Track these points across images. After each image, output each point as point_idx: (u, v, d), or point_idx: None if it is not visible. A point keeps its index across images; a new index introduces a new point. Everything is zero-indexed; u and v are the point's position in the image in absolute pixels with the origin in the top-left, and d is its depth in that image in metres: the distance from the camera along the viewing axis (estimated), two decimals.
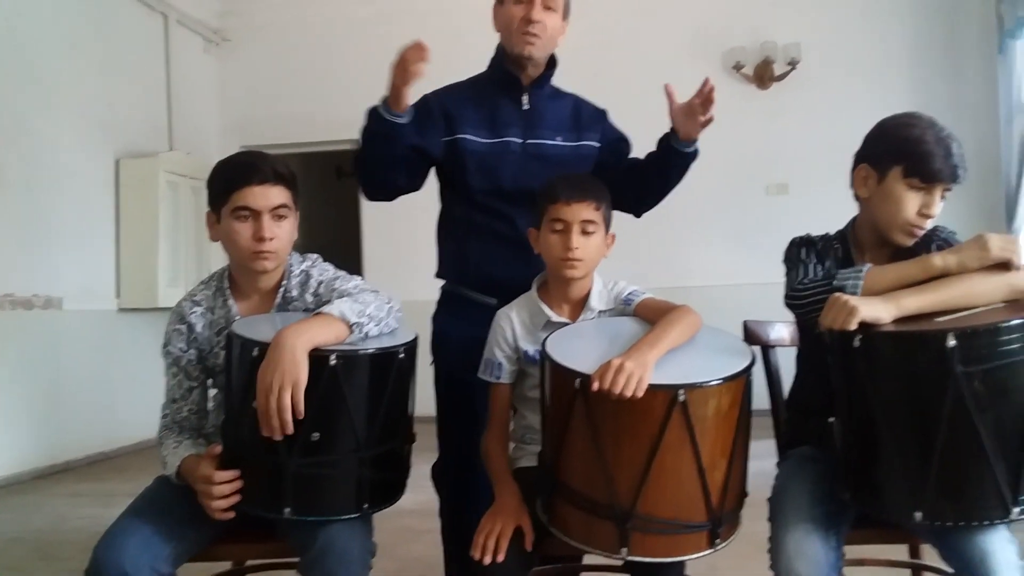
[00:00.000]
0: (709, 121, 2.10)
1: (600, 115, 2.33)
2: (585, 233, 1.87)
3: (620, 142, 2.33)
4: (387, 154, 2.10)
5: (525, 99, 2.20)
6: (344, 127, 6.51)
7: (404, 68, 1.92)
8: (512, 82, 2.19)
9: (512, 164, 2.16)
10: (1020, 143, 5.22)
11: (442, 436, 2.24)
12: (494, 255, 2.16)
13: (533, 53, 2.14)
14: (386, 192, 2.24)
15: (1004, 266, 1.62)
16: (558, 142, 2.20)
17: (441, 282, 2.30)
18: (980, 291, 1.61)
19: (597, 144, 2.26)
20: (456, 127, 2.17)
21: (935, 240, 1.81)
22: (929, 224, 1.78)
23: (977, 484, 1.48)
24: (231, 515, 1.69)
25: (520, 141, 2.18)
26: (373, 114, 2.05)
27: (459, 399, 2.15)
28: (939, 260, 1.64)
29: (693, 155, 2.18)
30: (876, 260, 1.78)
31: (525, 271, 2.04)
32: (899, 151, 1.77)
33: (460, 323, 2.16)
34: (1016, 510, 1.47)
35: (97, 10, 5.72)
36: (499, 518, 1.74)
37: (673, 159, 2.15)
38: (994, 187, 5.70)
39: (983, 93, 5.86)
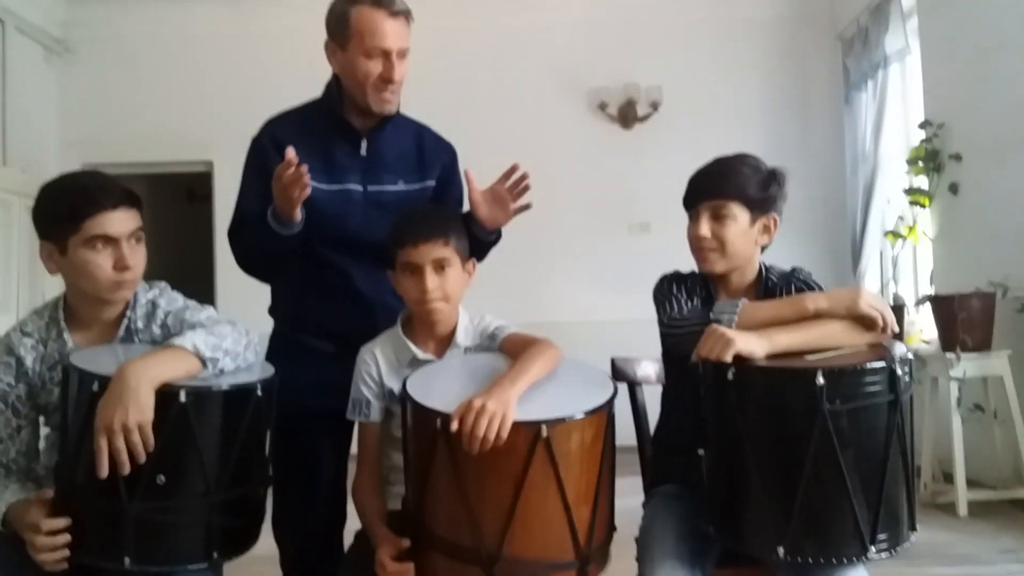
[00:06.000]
0: (523, 208, 2.03)
1: (444, 149, 2.19)
2: (440, 270, 1.84)
3: (450, 188, 2.17)
4: (277, 252, 2.00)
5: (364, 145, 2.06)
6: (195, 147, 6.39)
7: (288, 196, 1.82)
8: (350, 129, 2.05)
9: (354, 212, 2.03)
10: (864, 190, 5.56)
11: (278, 483, 2.03)
12: (331, 309, 2.05)
13: (391, 110, 2.04)
14: (273, 278, 2.15)
15: (869, 324, 1.70)
16: (400, 187, 2.08)
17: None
18: (845, 337, 1.69)
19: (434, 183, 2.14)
20: None
21: (794, 281, 1.89)
22: (705, 244, 1.86)
23: (838, 521, 1.53)
24: (63, 566, 1.55)
25: (360, 189, 2.05)
26: (262, 228, 1.92)
27: (294, 446, 2.02)
28: (811, 303, 1.71)
29: (495, 241, 2.10)
30: (733, 299, 1.83)
31: (365, 325, 1.98)
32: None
33: (294, 367, 1.95)
34: (873, 548, 1.52)
35: None
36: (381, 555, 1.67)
37: (474, 245, 1.99)
38: (841, 230, 6.04)
39: (831, 142, 6.22)
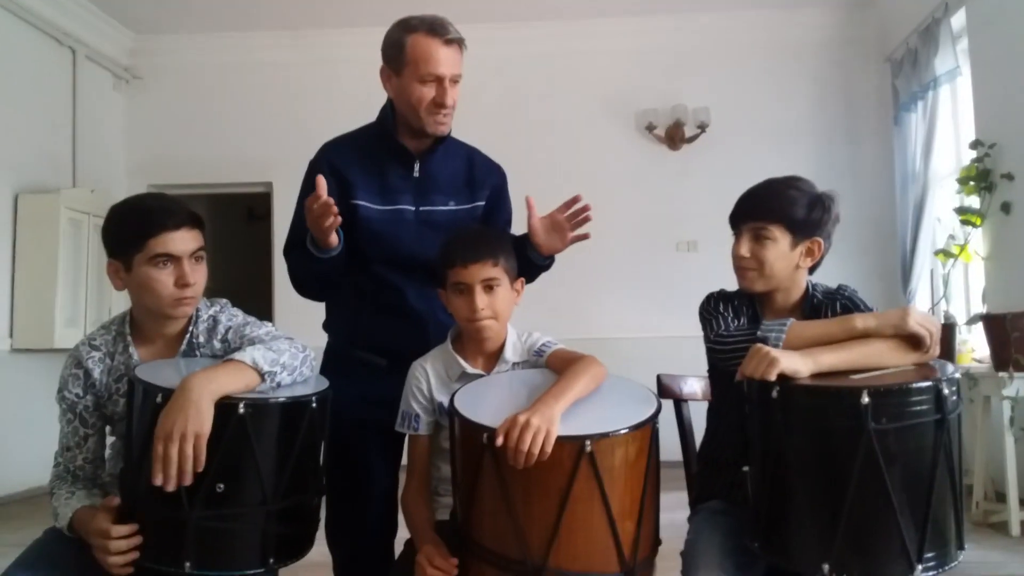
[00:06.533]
0: (580, 238, 2.07)
1: (493, 171, 2.23)
2: (489, 290, 1.87)
3: (500, 208, 2.22)
4: (325, 275, 2.07)
5: (416, 166, 2.11)
6: (255, 170, 6.56)
7: (319, 226, 1.89)
8: (403, 152, 2.11)
9: (406, 232, 2.08)
10: (914, 209, 5.50)
11: (332, 494, 2.12)
12: (385, 325, 2.10)
13: (445, 132, 2.09)
14: (324, 297, 2.22)
15: (916, 342, 1.69)
16: (451, 207, 2.12)
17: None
18: (891, 357, 1.68)
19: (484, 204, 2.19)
20: (350, 192, 2.07)
21: (839, 299, 1.89)
22: (744, 263, 1.87)
23: (884, 539, 1.51)
24: (129, 571, 1.61)
25: (413, 209, 2.10)
26: (304, 253, 2.00)
27: (348, 458, 2.09)
28: (860, 322, 1.70)
29: (548, 266, 2.15)
30: (779, 317, 1.84)
31: (417, 341, 2.03)
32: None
33: (348, 381, 2.02)
34: (920, 567, 1.51)
35: (1, 42, 5.54)
36: (422, 556, 1.70)
37: (526, 267, 2.04)
38: (891, 250, 5.97)
39: (880, 162, 6.17)
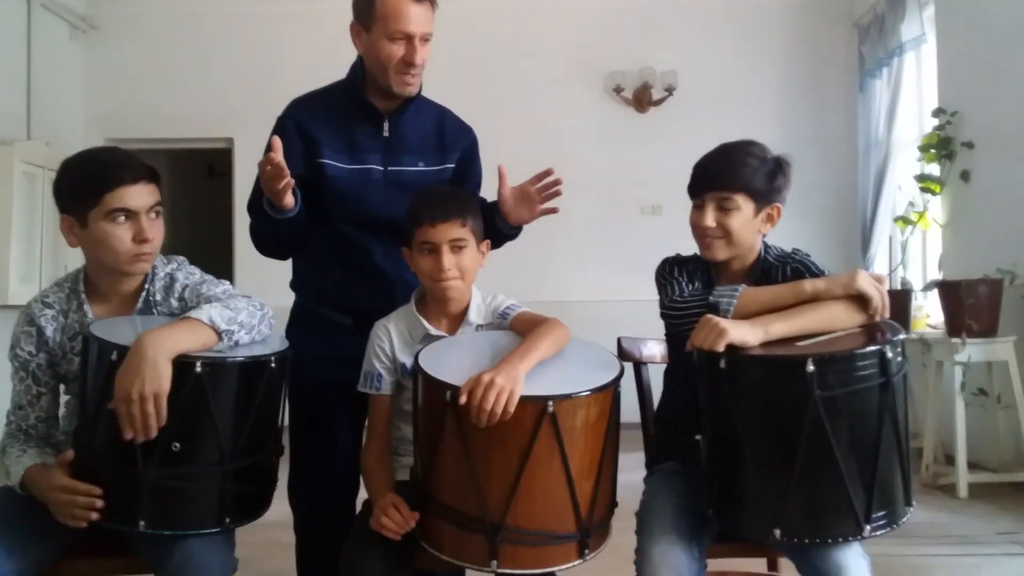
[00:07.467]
0: (549, 211, 2.07)
1: (465, 133, 2.21)
2: (456, 250, 1.87)
3: (470, 171, 2.21)
4: (284, 236, 2.06)
5: (386, 126, 2.09)
6: (217, 125, 6.44)
7: (272, 188, 1.86)
8: (372, 111, 2.09)
9: (374, 192, 2.07)
10: (875, 176, 5.56)
11: (295, 453, 2.15)
12: (351, 284, 2.10)
13: (413, 92, 2.07)
14: (286, 257, 2.21)
15: (865, 304, 1.71)
16: (420, 167, 2.11)
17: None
18: (840, 319, 1.70)
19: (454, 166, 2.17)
20: (316, 150, 2.05)
21: (791, 263, 1.90)
22: (709, 233, 1.87)
23: (833, 503, 1.55)
24: (83, 525, 1.60)
25: (381, 169, 2.09)
26: (261, 213, 1.97)
27: (312, 417, 2.10)
28: (809, 286, 1.73)
29: (514, 236, 2.15)
30: (733, 281, 1.86)
31: (383, 300, 2.03)
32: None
33: (314, 340, 2.07)
34: (868, 527, 1.55)
35: None
36: (379, 509, 1.71)
37: (493, 235, 2.06)
38: (852, 216, 6.04)
39: (844, 128, 6.20)
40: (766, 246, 1.94)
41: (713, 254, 1.89)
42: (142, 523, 1.58)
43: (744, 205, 1.85)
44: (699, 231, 1.89)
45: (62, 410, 1.87)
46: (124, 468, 1.57)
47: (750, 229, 1.87)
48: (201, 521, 1.63)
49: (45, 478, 1.64)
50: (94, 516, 1.58)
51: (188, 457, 1.60)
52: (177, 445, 1.58)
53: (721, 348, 1.60)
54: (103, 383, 1.58)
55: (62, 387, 1.86)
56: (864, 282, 1.71)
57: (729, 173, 1.86)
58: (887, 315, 1.73)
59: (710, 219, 1.86)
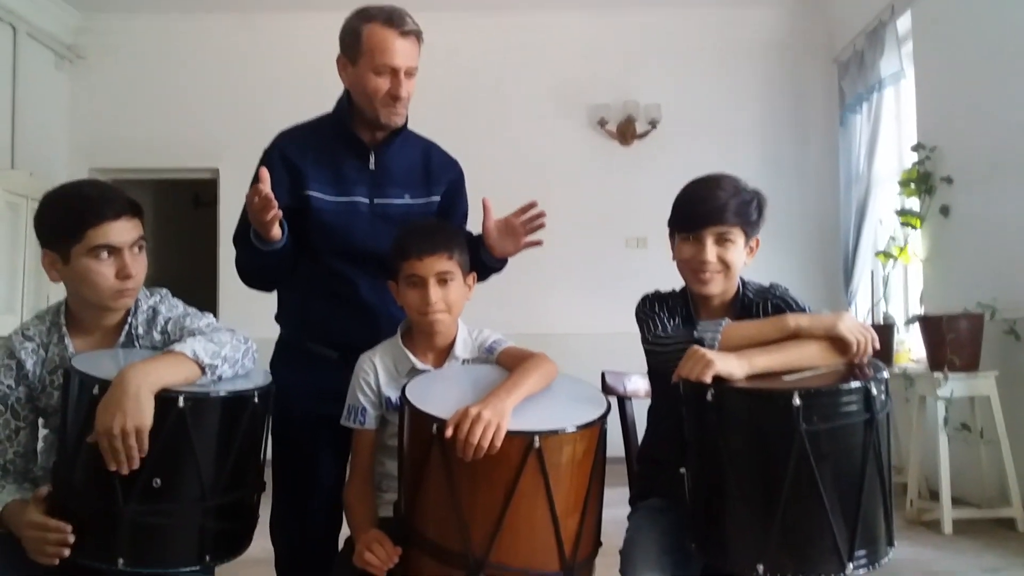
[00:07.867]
0: (533, 244, 2.08)
1: (451, 166, 2.22)
2: (443, 283, 1.87)
3: (456, 204, 2.21)
4: (270, 268, 2.06)
5: (372, 158, 2.10)
6: (202, 155, 6.44)
7: (259, 220, 1.87)
8: (359, 143, 2.09)
9: (360, 224, 2.07)
10: (857, 210, 5.60)
11: (277, 488, 2.12)
12: (337, 317, 2.09)
13: (399, 122, 2.09)
14: (271, 289, 2.21)
15: (844, 347, 1.71)
16: (406, 200, 2.11)
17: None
18: (821, 358, 1.71)
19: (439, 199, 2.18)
20: (303, 183, 2.05)
21: (770, 298, 1.92)
22: (710, 268, 1.86)
23: (817, 539, 1.55)
24: (55, 562, 1.57)
25: (367, 201, 2.09)
26: (247, 245, 1.98)
27: (296, 451, 2.09)
28: (792, 321, 1.74)
29: (499, 269, 2.16)
30: (713, 317, 1.87)
31: (369, 333, 2.02)
32: (672, 212, 1.93)
33: (299, 373, 2.06)
34: (851, 565, 1.54)
35: None
36: (362, 544, 1.69)
37: (478, 267, 2.06)
38: (834, 250, 6.06)
39: (825, 162, 6.25)
40: (743, 281, 1.95)
41: (709, 288, 1.89)
42: (121, 560, 1.55)
43: (738, 239, 1.87)
44: (696, 265, 1.88)
45: (40, 444, 1.85)
46: (103, 504, 1.55)
47: (741, 262, 1.89)
48: (181, 559, 1.62)
49: (22, 514, 1.61)
50: (65, 553, 1.56)
51: (169, 493, 1.58)
52: (158, 481, 1.56)
53: (708, 379, 1.60)
54: (83, 417, 1.56)
55: (40, 421, 1.83)
56: (846, 328, 1.71)
57: (728, 207, 1.86)
58: (870, 357, 1.74)
59: (711, 253, 1.85)
